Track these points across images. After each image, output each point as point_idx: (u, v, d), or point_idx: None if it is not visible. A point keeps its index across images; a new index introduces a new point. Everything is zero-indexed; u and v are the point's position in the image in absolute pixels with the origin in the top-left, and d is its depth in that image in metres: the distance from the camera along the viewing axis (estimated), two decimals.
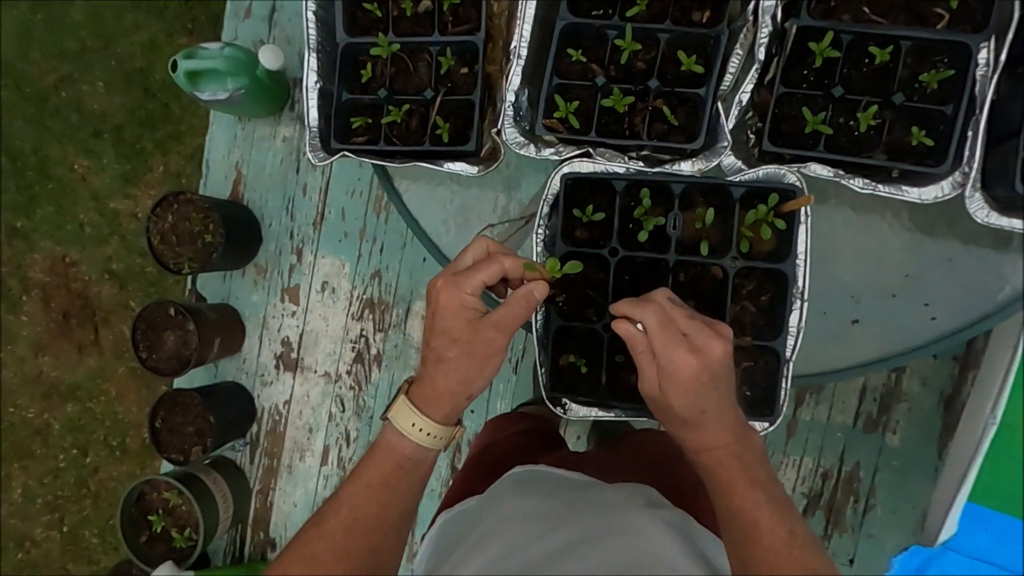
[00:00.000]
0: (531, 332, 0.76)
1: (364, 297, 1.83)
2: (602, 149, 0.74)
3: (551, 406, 0.76)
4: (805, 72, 0.72)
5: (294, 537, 0.54)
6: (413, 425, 0.53)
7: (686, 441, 0.56)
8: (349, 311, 1.85)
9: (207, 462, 1.82)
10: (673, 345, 0.51)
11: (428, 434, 0.53)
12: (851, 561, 1.61)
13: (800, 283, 0.70)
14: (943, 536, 0.96)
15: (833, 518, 1.62)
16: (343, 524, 0.53)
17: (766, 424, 0.73)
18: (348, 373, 1.86)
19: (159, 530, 1.73)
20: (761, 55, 0.71)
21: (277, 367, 1.90)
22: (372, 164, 0.80)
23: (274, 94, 1.71)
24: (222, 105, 1.59)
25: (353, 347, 1.85)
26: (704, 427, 0.53)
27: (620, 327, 0.55)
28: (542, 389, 0.76)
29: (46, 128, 2.09)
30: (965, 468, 0.96)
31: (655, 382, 0.53)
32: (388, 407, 0.55)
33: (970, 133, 0.67)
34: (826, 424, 1.61)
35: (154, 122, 2.02)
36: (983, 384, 1.02)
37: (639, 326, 0.54)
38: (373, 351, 1.84)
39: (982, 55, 0.67)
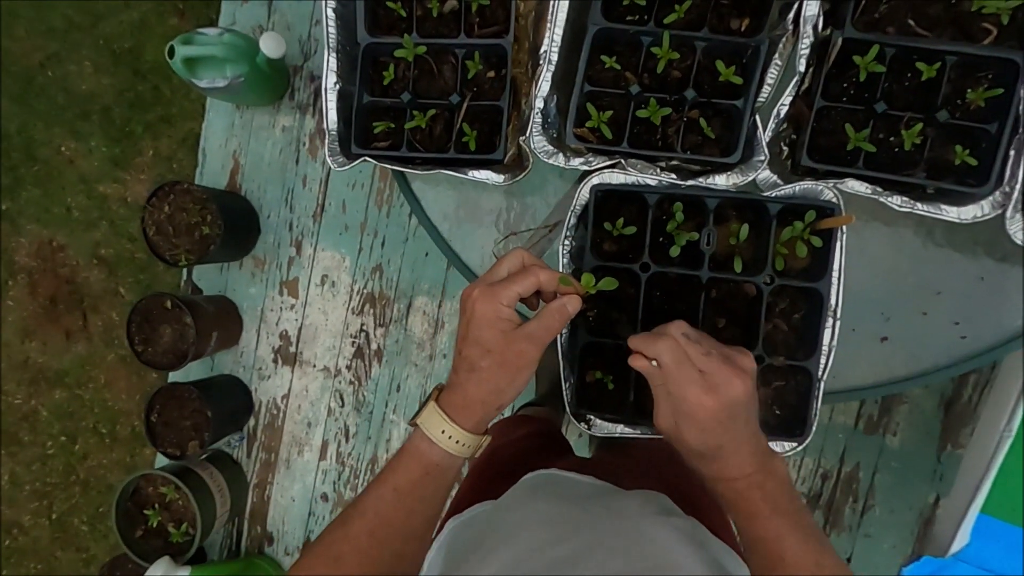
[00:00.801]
0: (555, 347, 0.75)
1: (365, 291, 1.80)
2: (633, 160, 0.72)
3: (575, 421, 0.75)
4: (845, 85, 0.70)
5: (318, 538, 0.54)
6: (443, 432, 0.53)
7: (703, 471, 0.55)
8: (349, 305, 1.82)
9: (204, 456, 1.79)
10: (688, 384, 0.51)
11: (457, 442, 0.53)
12: (848, 560, 1.63)
13: (834, 301, 0.69)
14: (955, 547, 0.96)
15: (832, 517, 1.64)
16: (368, 527, 0.53)
17: (795, 444, 0.72)
18: (348, 368, 1.83)
19: (155, 524, 1.70)
20: (801, 66, 0.68)
21: (275, 361, 1.87)
22: (391, 169, 0.76)
23: (274, 82, 1.65)
24: (220, 93, 1.54)
25: (353, 342, 1.82)
26: (722, 459, 0.53)
27: (635, 362, 0.55)
28: (567, 405, 0.74)
29: (32, 108, 2.02)
30: (979, 480, 0.96)
31: (671, 418, 0.53)
32: (417, 413, 0.55)
33: (1012, 152, 0.66)
34: (827, 425, 1.61)
35: (144, 104, 1.96)
36: (998, 397, 1.02)
37: (654, 362, 0.53)
38: (373, 346, 1.81)
39: None
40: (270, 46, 1.46)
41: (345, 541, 0.53)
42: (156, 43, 1.92)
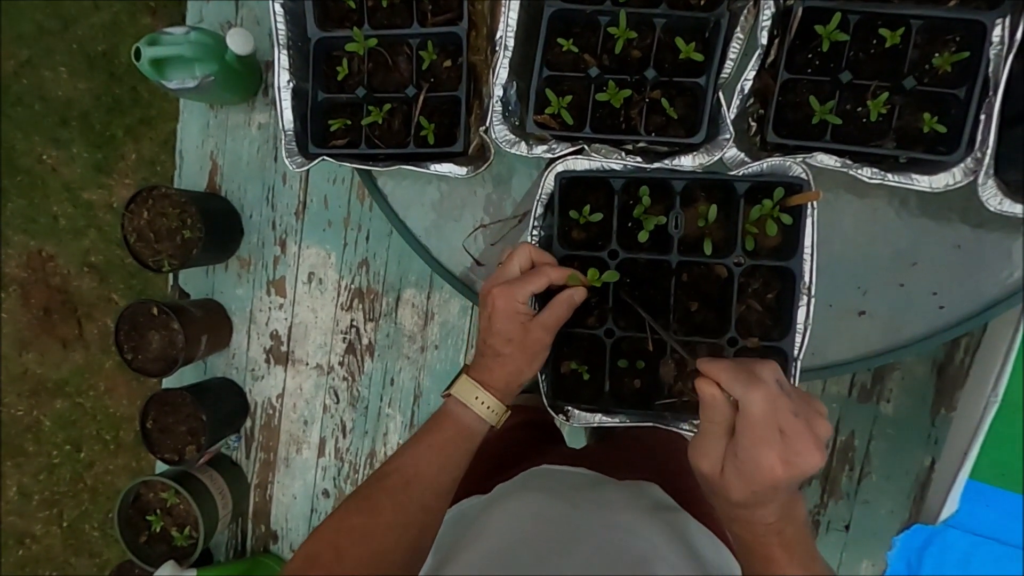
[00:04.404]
0: None
1: (352, 287, 1.79)
2: (597, 145, 0.70)
3: (553, 413, 0.74)
4: (810, 56, 0.68)
5: (355, 491, 0.59)
6: (476, 398, 0.60)
7: (721, 511, 0.52)
8: (338, 301, 1.81)
9: (203, 460, 1.80)
10: (767, 446, 0.44)
11: (487, 407, 0.61)
12: (847, 527, 1.64)
13: (807, 279, 0.67)
14: (944, 514, 0.96)
15: (829, 486, 1.64)
16: (404, 478, 0.58)
17: None
18: (340, 364, 1.83)
19: (158, 530, 1.71)
20: (764, 39, 0.66)
21: (268, 361, 1.87)
22: (352, 167, 0.75)
23: (246, 80, 1.62)
24: (191, 93, 1.52)
25: (344, 338, 1.82)
26: (749, 510, 0.49)
27: (705, 388, 0.48)
28: (543, 397, 0.74)
29: (9, 118, 2.00)
30: (966, 446, 0.95)
31: (717, 463, 0.47)
32: (450, 386, 0.62)
33: (983, 116, 0.64)
34: (821, 395, 1.61)
35: (122, 107, 1.93)
36: (984, 362, 1.01)
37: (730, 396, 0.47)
38: (365, 341, 1.81)
39: (996, 33, 0.63)
40: (238, 43, 1.43)
41: (382, 491, 0.58)
42: (130, 44, 1.87)
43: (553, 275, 0.62)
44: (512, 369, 0.62)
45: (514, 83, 0.72)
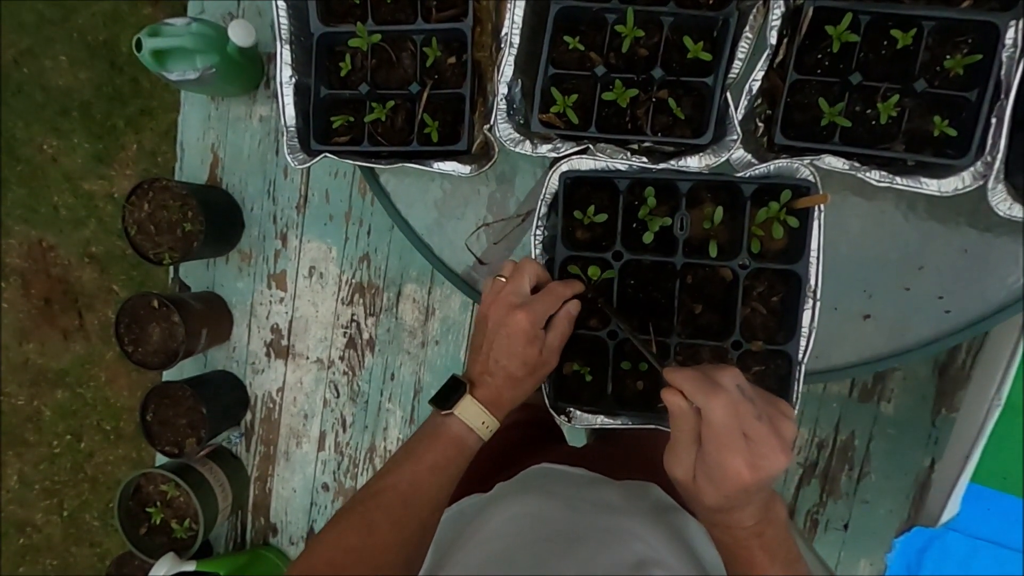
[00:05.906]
0: None
1: (353, 281, 1.79)
2: (602, 144, 0.69)
3: (555, 415, 0.74)
4: (820, 56, 0.67)
5: (346, 507, 0.57)
6: (483, 423, 0.60)
7: (700, 516, 0.53)
8: (338, 296, 1.81)
9: (203, 452, 1.80)
10: (731, 452, 0.46)
11: (489, 429, 0.61)
12: (845, 526, 1.64)
13: (813, 282, 0.67)
14: (945, 517, 0.96)
15: (828, 486, 1.64)
16: (402, 497, 0.57)
17: None
18: (341, 359, 1.83)
19: (158, 522, 1.72)
20: (773, 39, 0.65)
21: (268, 355, 1.87)
22: (355, 165, 0.74)
23: (247, 72, 1.61)
24: (192, 85, 1.51)
25: (344, 332, 1.82)
26: (726, 514, 0.50)
27: (670, 398, 0.50)
28: (545, 398, 0.73)
29: (10, 107, 1.98)
30: (968, 449, 0.95)
31: (689, 470, 0.49)
32: (447, 402, 0.61)
33: (994, 120, 0.63)
34: (821, 395, 1.61)
35: (123, 98, 1.92)
36: (986, 365, 1.01)
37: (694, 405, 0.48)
38: (365, 336, 1.81)
39: (1009, 35, 0.62)
40: (239, 34, 1.41)
41: (378, 509, 0.56)
42: (131, 34, 1.87)
43: (567, 295, 0.63)
44: (522, 391, 0.62)
45: (519, 81, 0.71)
